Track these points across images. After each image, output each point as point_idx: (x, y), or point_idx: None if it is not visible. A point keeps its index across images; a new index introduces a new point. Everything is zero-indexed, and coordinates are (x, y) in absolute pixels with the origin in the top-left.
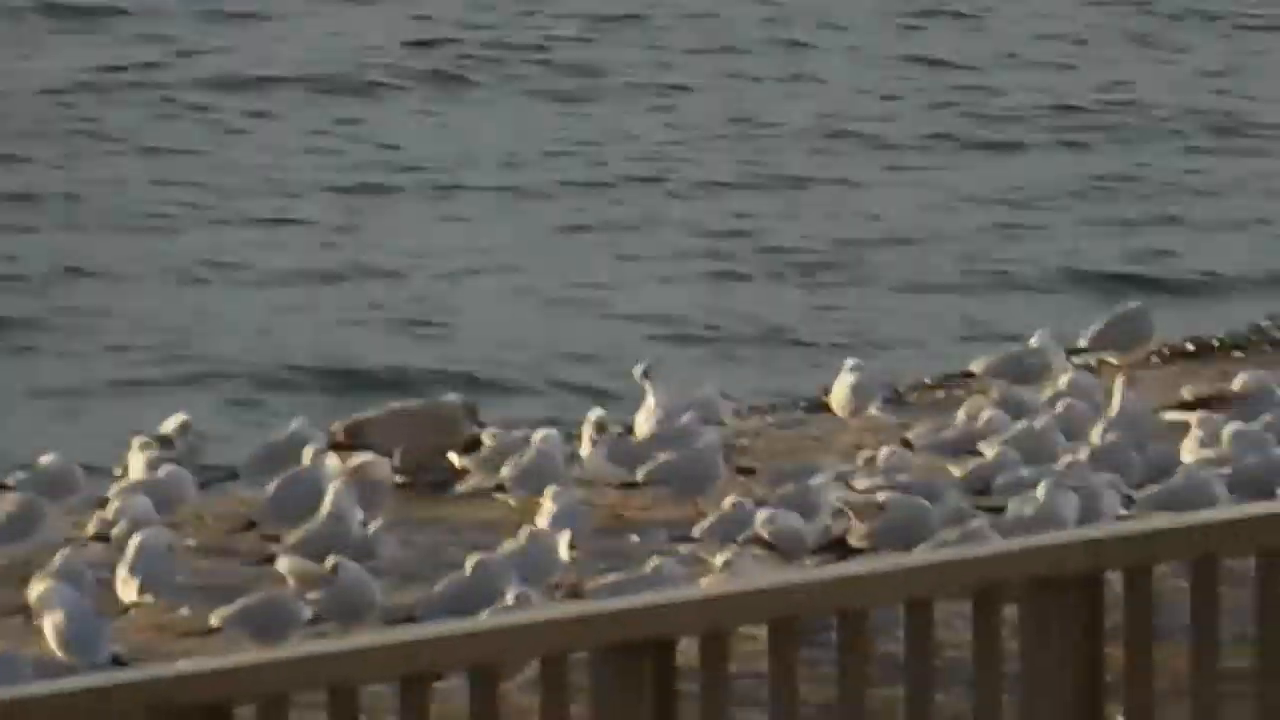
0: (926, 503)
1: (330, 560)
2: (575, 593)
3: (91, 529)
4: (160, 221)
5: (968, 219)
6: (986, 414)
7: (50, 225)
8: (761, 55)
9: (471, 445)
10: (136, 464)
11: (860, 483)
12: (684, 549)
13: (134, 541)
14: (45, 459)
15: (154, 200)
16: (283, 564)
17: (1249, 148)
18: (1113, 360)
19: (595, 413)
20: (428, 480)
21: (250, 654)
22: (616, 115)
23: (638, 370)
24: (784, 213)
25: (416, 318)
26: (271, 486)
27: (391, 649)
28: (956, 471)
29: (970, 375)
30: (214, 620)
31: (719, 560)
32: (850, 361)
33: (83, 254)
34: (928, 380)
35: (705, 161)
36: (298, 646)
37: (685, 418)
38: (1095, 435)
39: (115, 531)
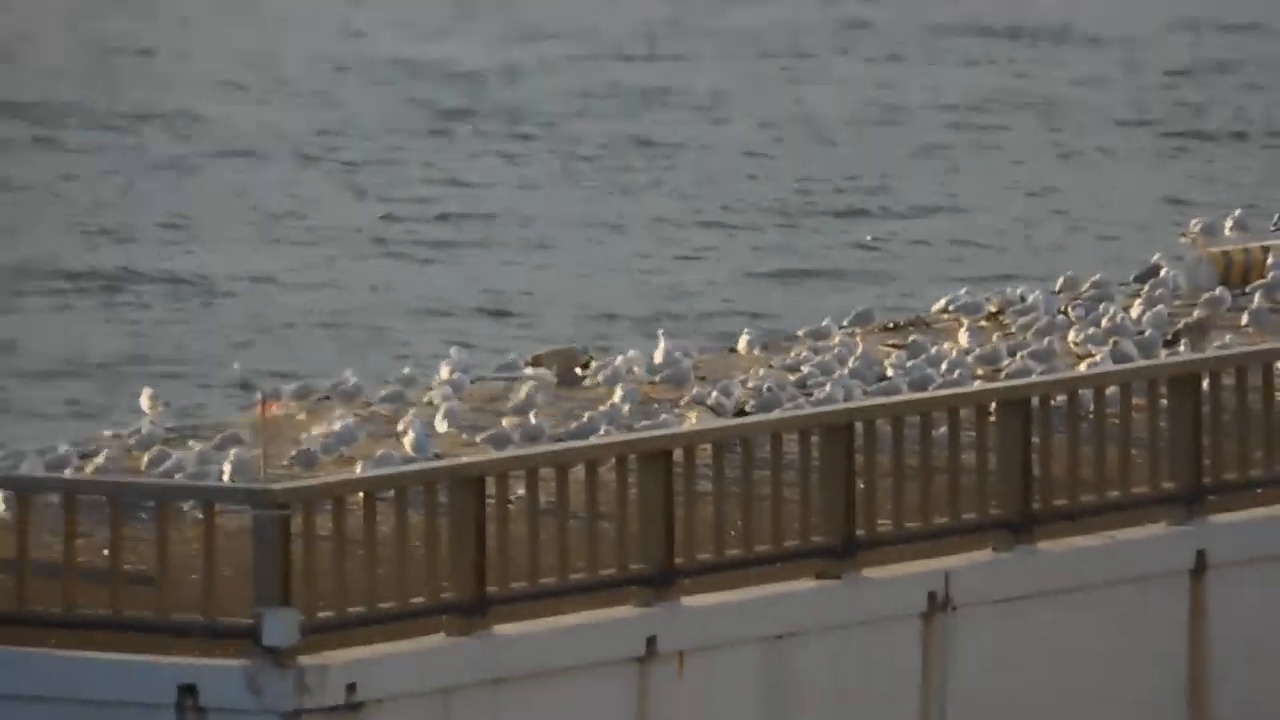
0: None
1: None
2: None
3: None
4: None
5: None
6: (803, 354)
7: None
8: None
9: (585, 365)
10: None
11: (751, 383)
12: (676, 411)
13: (442, 406)
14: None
15: None
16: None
17: None
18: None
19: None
20: (567, 381)
21: (499, 454)
22: None
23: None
24: None
25: None
26: None
27: (548, 454)
28: (791, 378)
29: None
30: (478, 439)
31: (693, 416)
32: (746, 330)
33: None
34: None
35: None
36: (517, 449)
37: (675, 354)
38: (851, 362)
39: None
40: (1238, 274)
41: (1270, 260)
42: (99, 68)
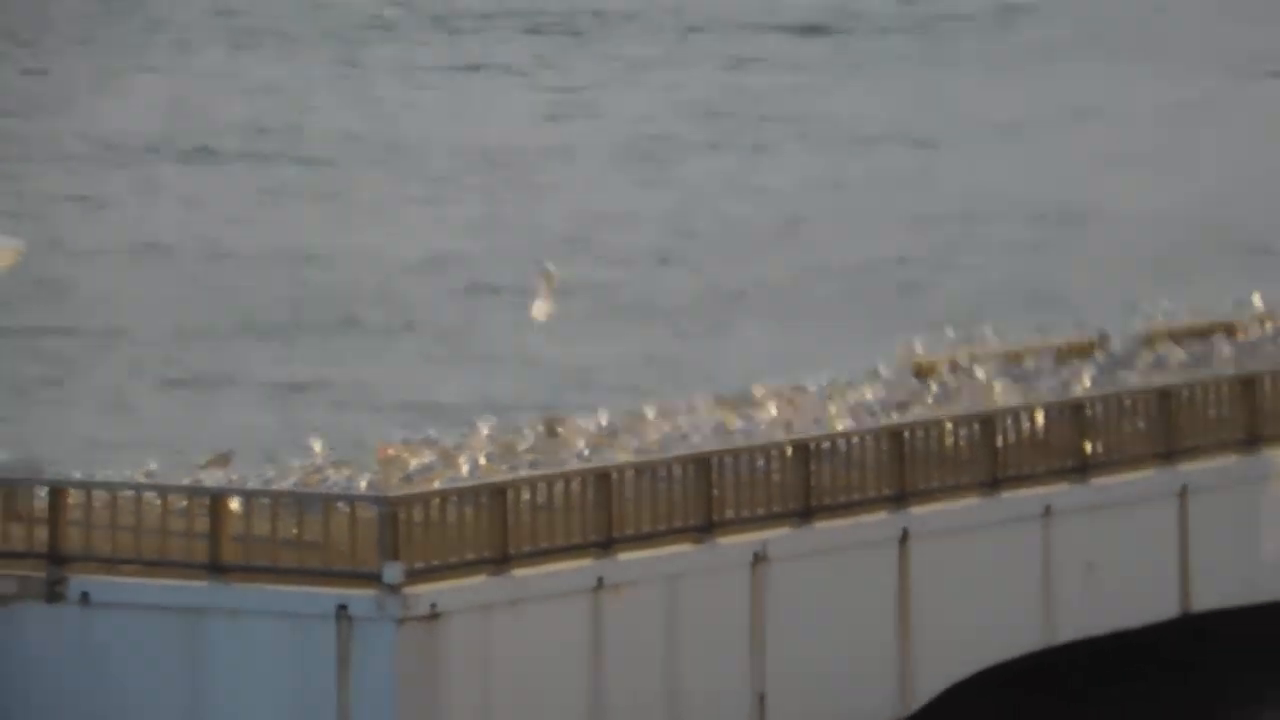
0: None
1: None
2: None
3: None
4: None
5: None
6: (682, 419)
7: None
8: None
9: (561, 424)
10: None
11: (654, 435)
12: (612, 451)
13: (483, 450)
14: None
15: None
16: None
17: None
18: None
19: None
20: (552, 434)
21: (515, 475)
22: None
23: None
24: None
25: None
26: None
27: (541, 475)
28: (677, 433)
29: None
30: (503, 467)
31: (622, 454)
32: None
33: None
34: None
35: None
36: (525, 473)
37: (612, 419)
38: (710, 424)
39: None
40: (925, 372)
41: (945, 366)
42: None
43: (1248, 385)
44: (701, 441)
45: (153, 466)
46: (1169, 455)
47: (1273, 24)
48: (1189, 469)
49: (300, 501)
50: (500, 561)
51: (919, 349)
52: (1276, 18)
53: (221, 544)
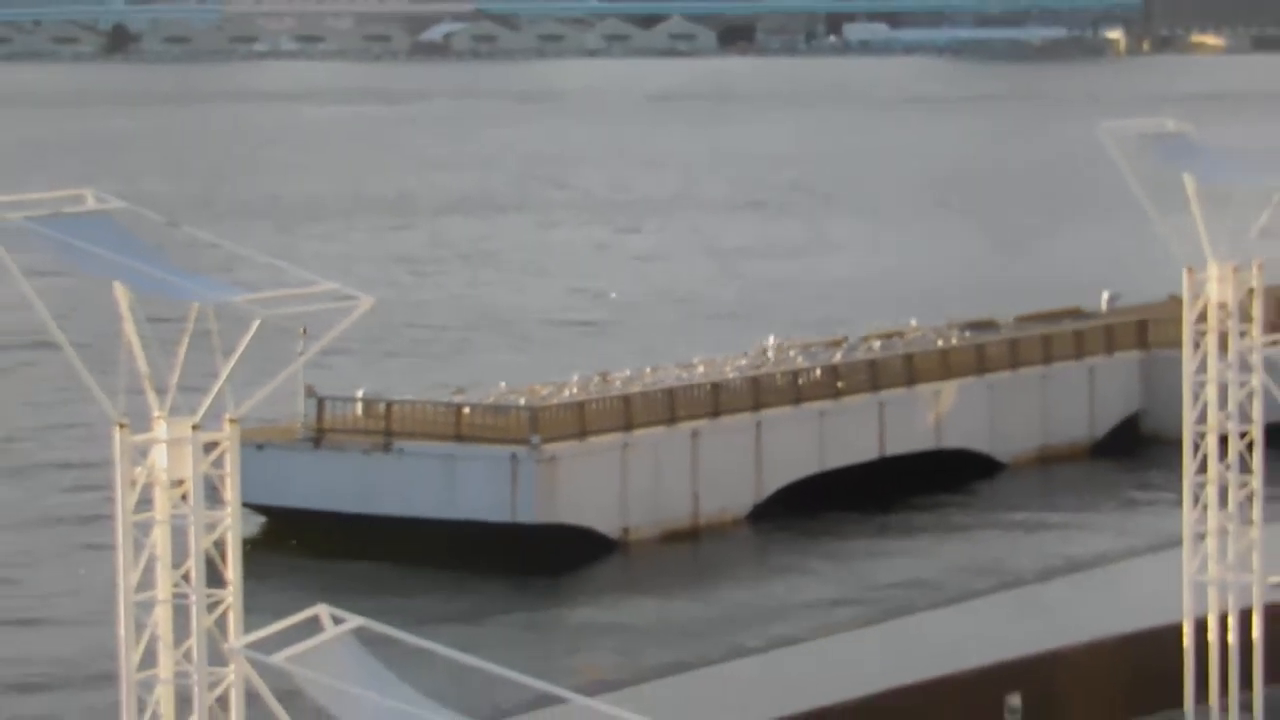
0: None
1: None
2: None
3: None
4: None
5: None
6: (659, 371)
7: None
8: None
9: (608, 375)
10: None
11: (649, 378)
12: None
13: (575, 385)
14: None
15: None
16: None
17: None
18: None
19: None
20: (604, 379)
21: (590, 396)
22: None
23: None
24: None
25: None
26: None
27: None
28: (659, 378)
29: None
30: (586, 399)
31: (636, 388)
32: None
33: None
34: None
35: None
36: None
37: (628, 372)
38: (676, 374)
39: None
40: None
41: (776, 349)
42: None
43: (908, 359)
44: (670, 383)
45: (409, 395)
46: (875, 388)
47: None
48: (884, 394)
49: (496, 408)
50: (581, 435)
51: (770, 340)
52: None
53: (461, 426)
